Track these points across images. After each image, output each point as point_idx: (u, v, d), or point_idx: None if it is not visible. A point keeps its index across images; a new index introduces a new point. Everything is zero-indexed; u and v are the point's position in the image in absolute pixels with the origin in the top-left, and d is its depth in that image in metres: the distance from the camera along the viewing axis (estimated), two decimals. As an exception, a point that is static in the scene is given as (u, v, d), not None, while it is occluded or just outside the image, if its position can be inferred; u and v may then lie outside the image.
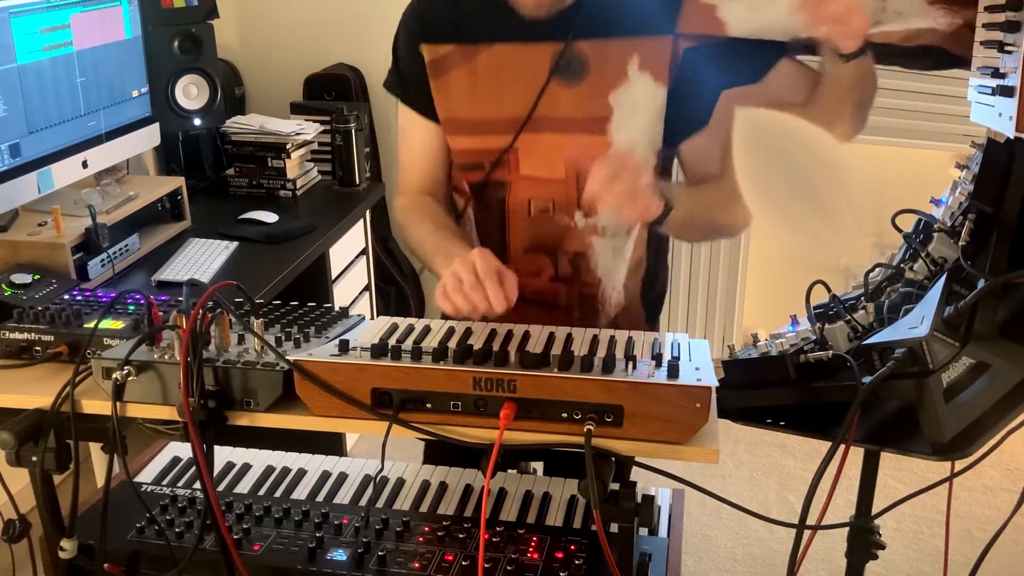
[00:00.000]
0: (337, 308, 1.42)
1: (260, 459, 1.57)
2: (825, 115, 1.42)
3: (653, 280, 1.61)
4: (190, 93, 2.78)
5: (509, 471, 1.55)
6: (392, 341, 1.23)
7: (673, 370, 1.09)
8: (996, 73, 1.15)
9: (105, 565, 1.28)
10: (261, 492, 1.47)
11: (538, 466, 1.78)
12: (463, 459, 1.49)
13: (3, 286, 1.86)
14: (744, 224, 1.52)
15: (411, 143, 1.54)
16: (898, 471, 2.88)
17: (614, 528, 1.16)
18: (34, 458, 1.20)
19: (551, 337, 1.24)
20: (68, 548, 1.26)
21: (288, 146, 2.84)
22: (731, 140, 1.44)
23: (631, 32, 1.37)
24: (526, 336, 1.24)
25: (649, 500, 1.13)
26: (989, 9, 1.17)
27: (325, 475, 1.51)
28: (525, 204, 1.47)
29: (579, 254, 1.49)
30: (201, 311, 1.14)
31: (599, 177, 1.28)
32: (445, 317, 1.31)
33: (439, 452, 1.64)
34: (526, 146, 1.42)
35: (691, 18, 1.38)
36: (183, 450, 1.59)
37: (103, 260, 2.12)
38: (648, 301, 1.61)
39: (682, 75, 1.40)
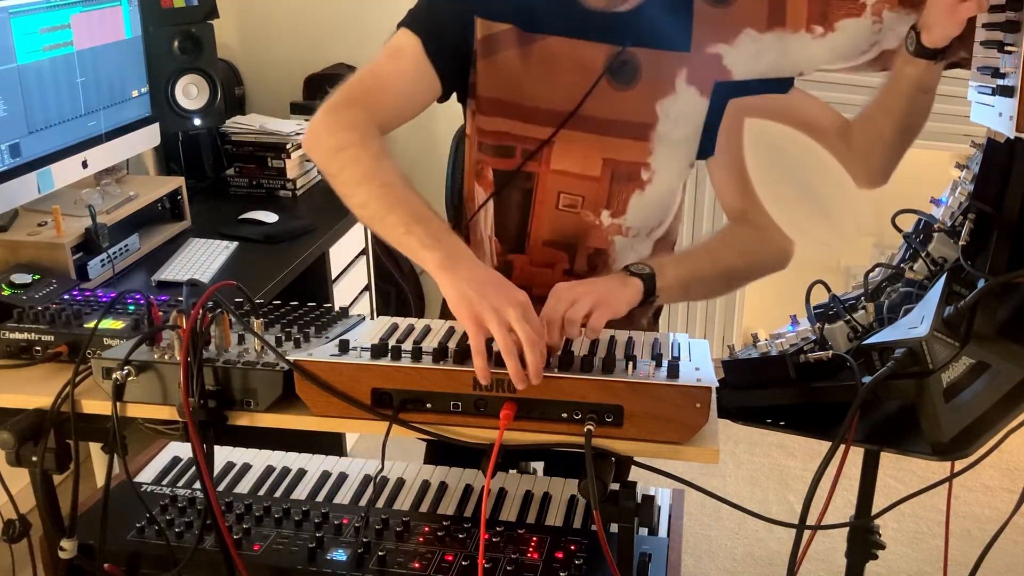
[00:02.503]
0: (337, 308, 1.42)
1: (260, 459, 1.57)
2: (871, 133, 1.43)
3: None
4: (190, 93, 2.78)
5: (509, 471, 1.55)
6: (392, 341, 1.22)
7: (673, 370, 1.09)
8: (996, 73, 1.15)
9: (105, 565, 1.28)
10: (261, 492, 1.47)
11: (538, 466, 1.78)
12: (465, 459, 1.49)
13: (3, 286, 1.86)
14: (787, 255, 1.51)
15: (402, 69, 1.37)
16: (898, 471, 2.88)
17: (614, 528, 1.16)
18: (34, 458, 1.20)
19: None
20: (68, 548, 1.26)
21: (288, 146, 2.84)
22: (746, 174, 1.46)
23: (685, 47, 1.39)
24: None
25: (649, 500, 1.13)
26: (989, 9, 1.17)
27: (325, 475, 1.51)
28: (554, 197, 1.46)
29: (599, 251, 1.49)
30: (201, 311, 1.14)
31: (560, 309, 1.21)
32: (444, 315, 1.27)
33: (441, 452, 1.64)
34: (564, 141, 1.42)
35: (699, 66, 1.41)
36: (183, 450, 1.59)
37: (103, 260, 2.12)
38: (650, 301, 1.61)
39: (729, 85, 1.42)
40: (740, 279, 1.55)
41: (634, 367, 1.11)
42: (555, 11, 1.37)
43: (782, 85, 1.44)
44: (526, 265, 1.50)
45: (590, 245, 1.48)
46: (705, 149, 1.46)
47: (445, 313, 1.20)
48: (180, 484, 1.49)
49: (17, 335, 1.31)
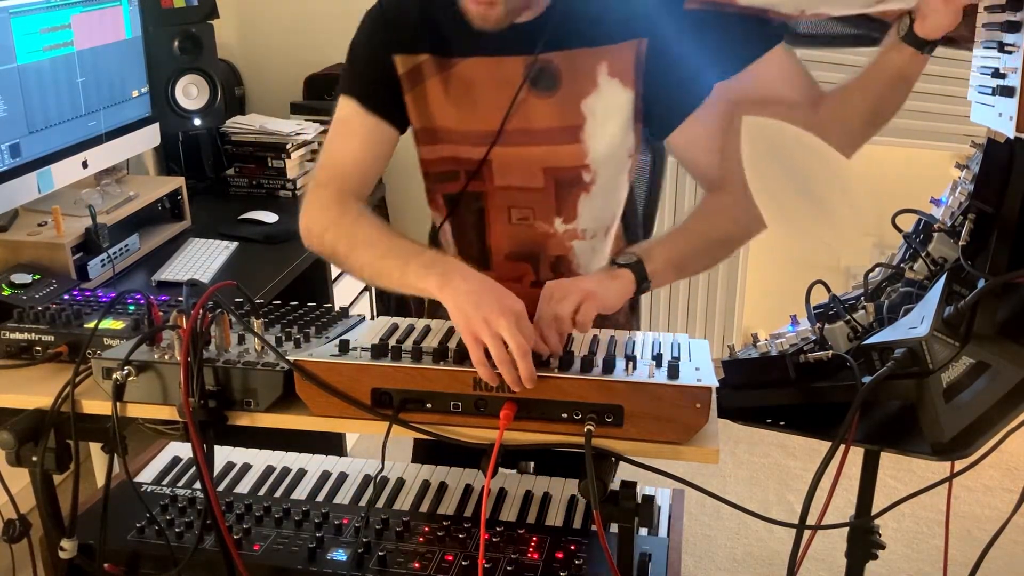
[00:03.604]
0: (337, 308, 1.42)
1: (260, 459, 1.57)
2: (840, 112, 1.40)
3: None
4: (190, 93, 2.78)
5: (509, 471, 1.55)
6: (392, 341, 1.23)
7: (673, 370, 1.09)
8: (996, 73, 1.15)
9: (105, 565, 1.28)
10: (261, 492, 1.47)
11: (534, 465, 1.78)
12: (454, 457, 1.50)
13: (3, 286, 1.86)
14: (757, 229, 1.48)
15: (354, 141, 1.44)
16: (898, 471, 2.88)
17: (614, 528, 1.16)
18: (34, 458, 1.20)
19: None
20: (68, 548, 1.26)
21: (288, 146, 2.84)
22: (736, 144, 1.42)
23: (597, 42, 1.38)
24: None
25: (649, 500, 1.13)
26: (989, 9, 1.17)
27: (325, 475, 1.51)
28: (505, 212, 1.47)
29: (560, 258, 1.49)
30: (201, 311, 1.14)
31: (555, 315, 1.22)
32: (437, 313, 1.28)
33: (429, 450, 1.64)
34: (500, 157, 1.43)
35: (617, 59, 1.39)
36: (183, 450, 1.59)
37: (103, 260, 2.12)
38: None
39: (652, 68, 1.39)
40: (731, 246, 1.54)
41: (634, 367, 1.11)
42: (467, 33, 1.37)
43: (762, 44, 1.40)
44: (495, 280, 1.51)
45: (551, 254, 1.49)
46: (659, 130, 1.45)
47: (433, 312, 1.21)
48: (180, 484, 1.49)
49: (17, 335, 1.31)
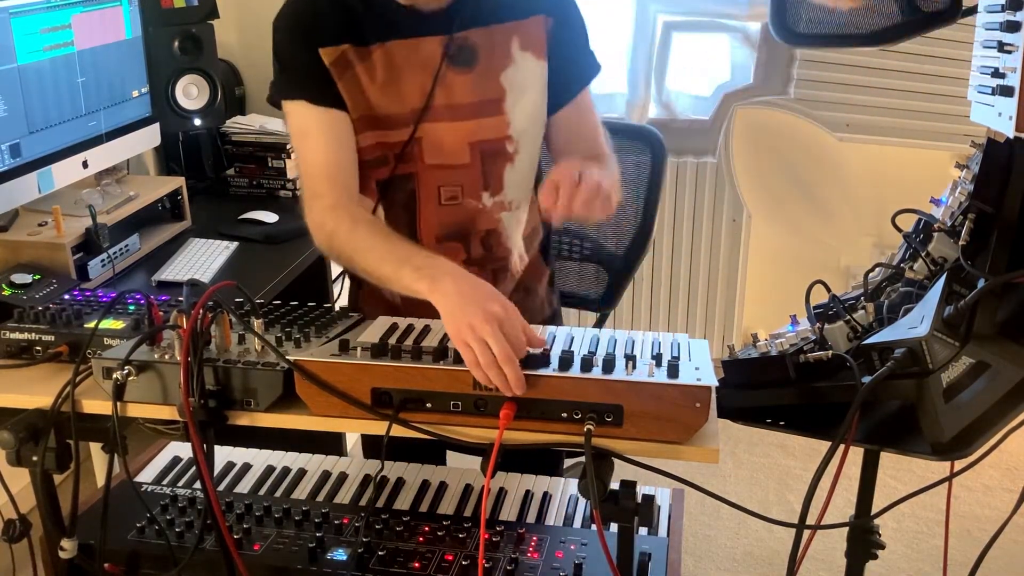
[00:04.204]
0: (337, 308, 1.42)
1: (260, 459, 1.57)
2: None
3: (547, 231, 1.71)
4: (190, 93, 2.78)
5: (508, 473, 1.55)
6: (392, 341, 1.23)
7: (673, 370, 1.09)
8: (996, 73, 1.15)
9: (105, 565, 1.28)
10: (261, 492, 1.47)
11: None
12: (403, 451, 1.52)
13: (3, 286, 1.86)
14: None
15: (319, 141, 1.46)
16: (898, 471, 2.88)
17: (614, 528, 1.16)
18: (34, 458, 1.21)
19: (551, 337, 1.24)
20: (68, 548, 1.26)
21: (288, 146, 2.84)
22: (599, 122, 1.55)
23: (508, 17, 1.46)
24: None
25: (649, 500, 1.14)
26: (989, 9, 1.17)
27: (325, 475, 1.51)
28: (435, 193, 1.50)
29: (490, 231, 1.54)
30: (201, 311, 1.14)
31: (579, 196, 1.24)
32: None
33: (376, 444, 1.63)
34: (428, 136, 1.47)
35: (528, 33, 1.48)
36: (183, 450, 1.59)
37: (103, 260, 2.12)
38: (544, 250, 1.71)
39: (553, 44, 1.49)
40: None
41: (634, 367, 1.11)
42: (382, 19, 1.42)
43: None
44: None
45: (480, 228, 1.53)
46: (553, 103, 1.53)
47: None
48: (180, 484, 1.49)
49: (17, 335, 1.31)
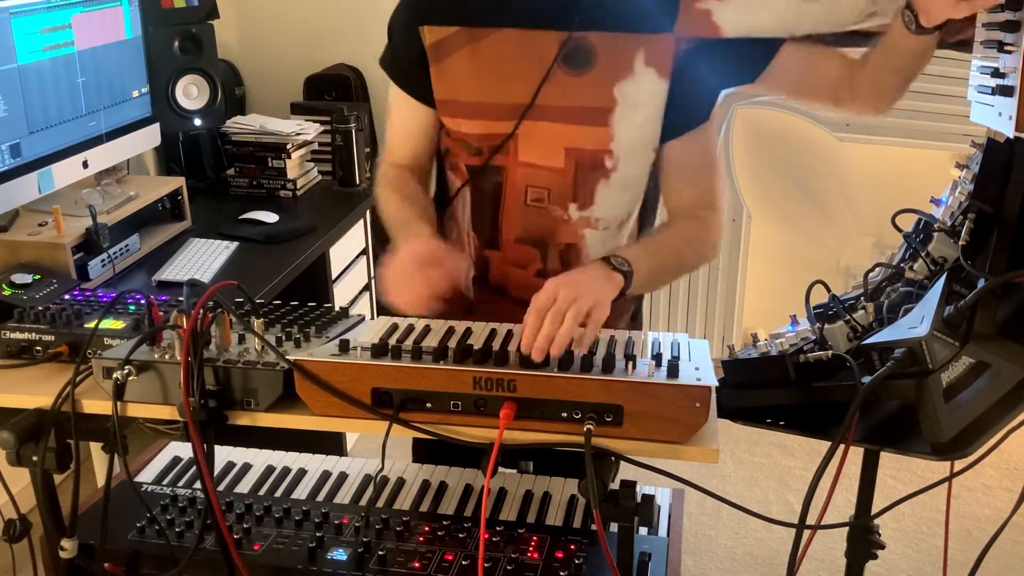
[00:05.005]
0: (337, 308, 1.42)
1: (260, 459, 1.57)
2: (867, 89, 1.42)
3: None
4: (190, 93, 2.78)
5: (509, 471, 1.55)
6: (392, 341, 1.23)
7: (673, 370, 1.09)
8: (996, 73, 1.15)
9: (105, 565, 1.28)
10: (261, 492, 1.47)
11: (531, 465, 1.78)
12: (454, 456, 1.50)
13: (3, 286, 1.86)
14: (718, 249, 1.51)
15: (396, 120, 1.56)
16: (898, 471, 2.88)
17: (614, 528, 1.16)
18: (35, 458, 1.20)
19: (551, 337, 1.24)
20: (68, 548, 1.26)
21: (288, 146, 2.84)
22: (721, 172, 1.44)
23: (637, 27, 1.38)
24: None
25: (649, 500, 1.14)
26: (989, 9, 1.17)
27: (325, 475, 1.51)
28: (522, 192, 1.46)
29: (570, 246, 1.48)
30: (202, 311, 1.14)
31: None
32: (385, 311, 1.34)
33: (429, 449, 1.64)
34: (526, 133, 1.42)
35: (687, 22, 1.40)
36: (183, 450, 1.59)
37: (103, 260, 2.12)
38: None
39: (681, 69, 1.40)
40: (683, 273, 1.60)
41: (634, 367, 1.11)
42: (501, 4, 1.38)
43: (768, 51, 1.42)
44: (501, 262, 1.51)
45: (560, 241, 1.47)
46: (667, 133, 1.44)
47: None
48: (180, 484, 1.49)
49: (18, 335, 1.31)
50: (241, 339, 1.24)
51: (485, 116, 1.43)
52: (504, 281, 1.51)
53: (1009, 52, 1.13)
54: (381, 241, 3.62)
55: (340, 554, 1.27)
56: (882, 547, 1.42)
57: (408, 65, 1.46)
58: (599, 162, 1.43)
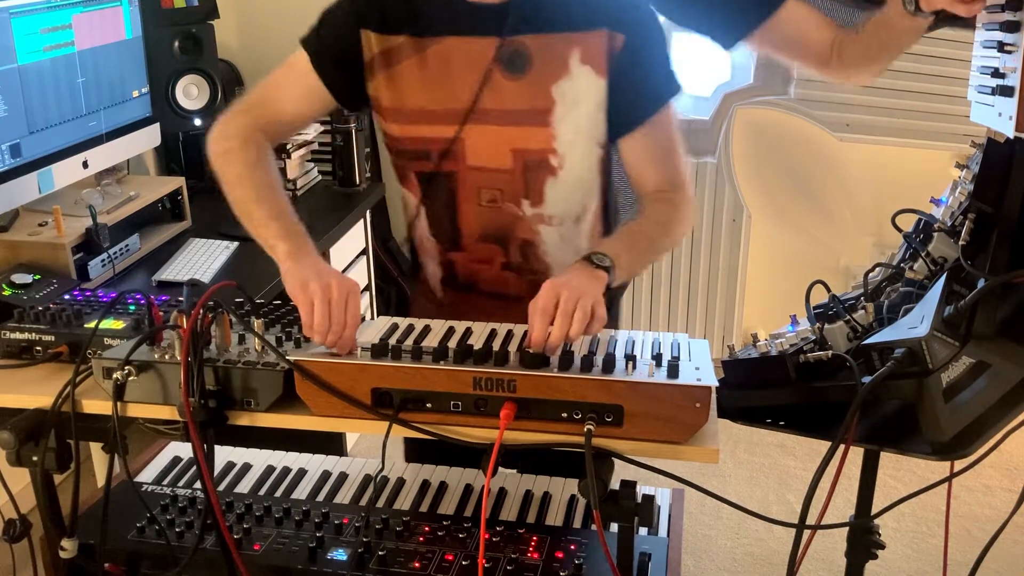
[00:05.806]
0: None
1: (260, 459, 1.57)
2: (855, 57, 1.47)
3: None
4: (190, 93, 2.78)
5: (509, 470, 1.55)
6: (392, 341, 1.23)
7: (673, 370, 1.09)
8: (996, 73, 1.15)
9: (105, 565, 1.28)
10: (261, 492, 1.47)
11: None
12: (448, 456, 1.50)
13: (4, 286, 1.86)
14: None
15: (293, 88, 1.51)
16: (898, 471, 2.88)
17: (614, 528, 1.16)
18: (35, 458, 1.21)
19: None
20: (68, 548, 1.26)
21: (288, 146, 2.84)
22: (682, 152, 1.47)
23: (571, 27, 1.41)
24: (526, 336, 1.24)
25: (649, 500, 1.14)
26: (989, 9, 1.17)
27: (325, 475, 1.51)
28: (475, 193, 1.49)
29: (528, 242, 1.51)
30: (202, 311, 1.14)
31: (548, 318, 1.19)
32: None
33: (422, 449, 1.64)
34: (472, 137, 1.45)
35: (591, 46, 1.42)
36: (183, 450, 1.59)
37: (103, 260, 2.12)
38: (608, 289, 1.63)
39: (619, 65, 1.42)
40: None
41: (634, 367, 1.11)
42: (443, 12, 1.41)
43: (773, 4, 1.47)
44: (466, 262, 1.53)
45: (518, 237, 1.51)
46: (614, 130, 1.46)
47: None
48: (180, 484, 1.49)
49: (18, 335, 1.31)
50: (241, 339, 1.24)
51: (431, 121, 1.46)
52: (472, 278, 1.53)
53: (1009, 52, 1.13)
54: (381, 241, 3.61)
55: (340, 554, 1.27)
56: (882, 547, 1.42)
57: (335, 57, 1.47)
58: (545, 161, 1.46)
